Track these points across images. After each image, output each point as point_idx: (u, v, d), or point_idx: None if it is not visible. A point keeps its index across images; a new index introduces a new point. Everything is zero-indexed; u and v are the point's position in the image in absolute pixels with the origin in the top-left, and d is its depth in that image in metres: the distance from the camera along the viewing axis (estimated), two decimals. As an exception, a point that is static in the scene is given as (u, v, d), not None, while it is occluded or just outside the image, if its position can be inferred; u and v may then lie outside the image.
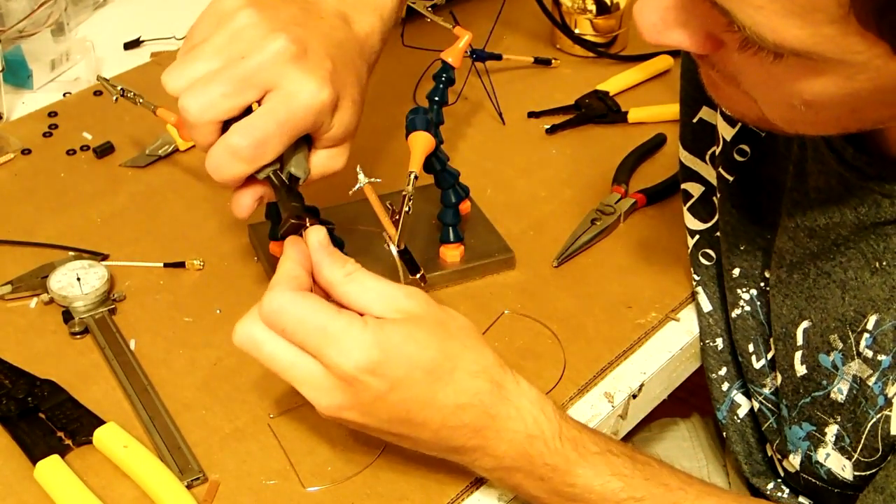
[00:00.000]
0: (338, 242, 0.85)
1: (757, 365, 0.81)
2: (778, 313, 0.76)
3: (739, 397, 0.86)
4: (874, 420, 0.69)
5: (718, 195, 0.83)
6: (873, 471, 0.70)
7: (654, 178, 1.01)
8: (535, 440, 0.66)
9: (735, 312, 0.82)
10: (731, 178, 0.81)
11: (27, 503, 0.71)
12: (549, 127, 1.08)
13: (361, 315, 0.64)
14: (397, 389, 0.63)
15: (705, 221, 0.86)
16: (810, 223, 0.70)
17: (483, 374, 0.66)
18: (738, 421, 0.87)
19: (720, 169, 0.82)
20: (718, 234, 0.84)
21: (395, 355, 0.62)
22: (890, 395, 0.68)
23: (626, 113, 1.09)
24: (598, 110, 1.10)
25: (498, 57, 1.11)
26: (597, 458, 0.67)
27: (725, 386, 0.86)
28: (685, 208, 0.88)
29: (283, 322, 0.63)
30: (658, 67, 1.17)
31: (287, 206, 0.69)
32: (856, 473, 0.72)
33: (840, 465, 0.73)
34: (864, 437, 0.70)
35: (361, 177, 0.74)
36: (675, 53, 1.16)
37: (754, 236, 0.80)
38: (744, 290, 0.81)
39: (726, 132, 0.80)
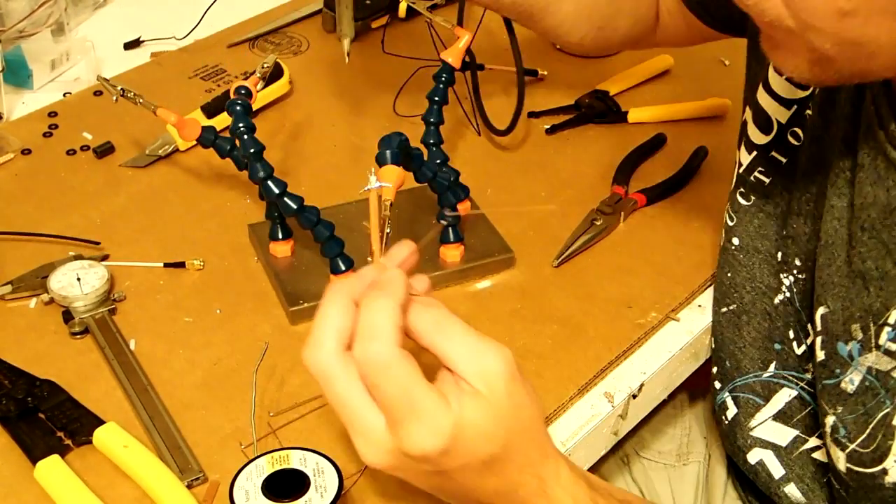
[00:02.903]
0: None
1: (798, 351, 0.81)
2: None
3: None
4: (887, 410, 0.69)
5: (769, 179, 0.82)
6: (867, 466, 0.70)
7: (654, 178, 1.01)
8: None
9: (777, 298, 0.82)
10: (783, 161, 0.80)
11: (27, 503, 0.71)
12: (549, 127, 1.08)
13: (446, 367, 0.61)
14: (447, 474, 0.61)
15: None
16: (846, 203, 0.70)
17: (530, 468, 0.63)
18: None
19: (773, 152, 0.81)
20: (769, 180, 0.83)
21: (461, 448, 0.60)
22: None
23: (626, 113, 1.09)
24: (598, 110, 1.10)
25: (480, 67, 1.07)
26: None
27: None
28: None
29: (381, 379, 0.59)
30: (658, 67, 1.17)
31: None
32: (848, 465, 0.72)
33: (835, 457, 0.73)
34: (870, 427, 0.70)
35: (372, 179, 0.74)
36: (674, 53, 1.16)
37: (794, 223, 0.80)
38: (785, 275, 0.81)
39: (781, 115, 0.80)
